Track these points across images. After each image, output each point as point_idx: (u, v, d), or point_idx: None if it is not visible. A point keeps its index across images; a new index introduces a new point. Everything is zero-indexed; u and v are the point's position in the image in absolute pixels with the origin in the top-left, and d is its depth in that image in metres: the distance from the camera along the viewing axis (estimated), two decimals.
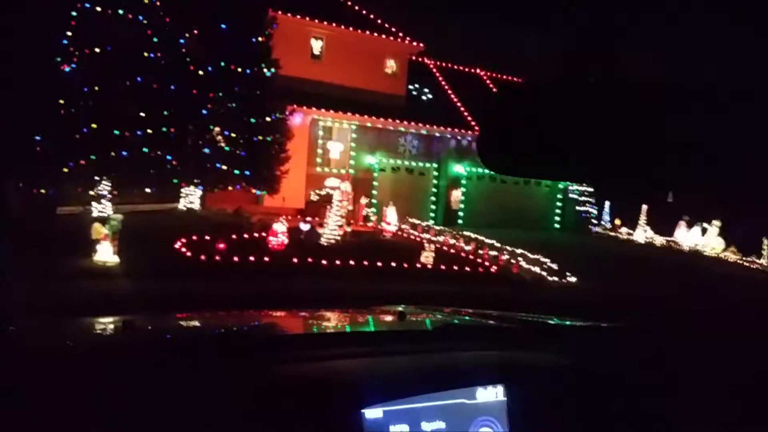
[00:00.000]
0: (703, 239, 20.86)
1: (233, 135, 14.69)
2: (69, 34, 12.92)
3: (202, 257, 10.23)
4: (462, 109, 23.04)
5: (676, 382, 1.91)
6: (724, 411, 1.86)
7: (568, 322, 2.78)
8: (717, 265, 18.24)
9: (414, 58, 23.05)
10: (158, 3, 13.73)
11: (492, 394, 1.63)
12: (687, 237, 21.62)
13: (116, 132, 12.82)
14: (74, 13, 12.94)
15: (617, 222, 24.49)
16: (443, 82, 24.22)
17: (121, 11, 13.22)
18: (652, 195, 18.98)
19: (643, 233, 22.52)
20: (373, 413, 1.45)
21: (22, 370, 1.37)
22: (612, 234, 23.92)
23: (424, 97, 22.36)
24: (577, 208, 24.29)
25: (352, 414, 1.43)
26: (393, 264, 11.49)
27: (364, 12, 21.24)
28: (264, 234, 12.30)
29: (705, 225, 21.00)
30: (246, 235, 12.70)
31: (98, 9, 13.03)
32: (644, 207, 22.22)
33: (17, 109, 11.67)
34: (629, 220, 23.34)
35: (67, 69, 12.92)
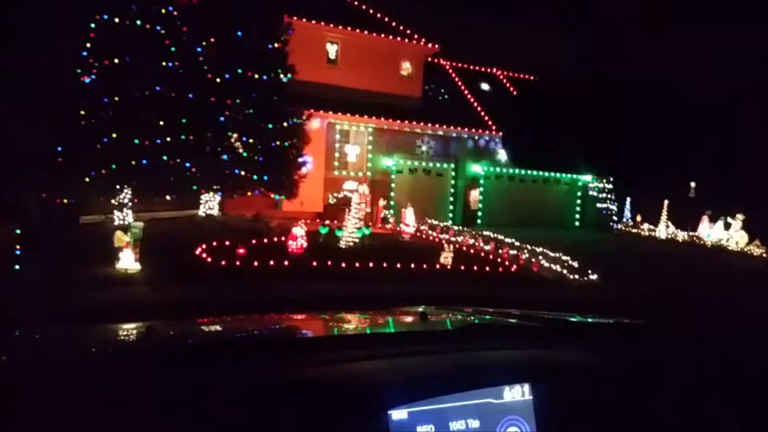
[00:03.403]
0: (726, 233, 20.53)
1: (251, 141, 14.79)
2: (88, 45, 13.12)
3: (223, 263, 10.29)
4: (479, 108, 22.96)
5: (700, 380, 1.89)
6: (751, 410, 1.82)
7: (591, 320, 2.76)
8: (741, 260, 17.93)
9: (429, 59, 23.04)
10: (175, 13, 13.88)
11: (518, 393, 1.62)
12: (710, 232, 21.30)
13: (136, 141, 12.97)
14: (93, 25, 13.14)
15: (638, 218, 24.22)
16: (459, 83, 24.17)
17: (138, 22, 13.39)
18: (673, 190, 18.78)
19: (665, 229, 22.24)
20: (398, 414, 1.45)
21: (47, 374, 1.38)
22: (634, 230, 23.65)
23: (440, 98, 22.33)
24: (598, 205, 24.06)
25: (378, 415, 1.43)
26: (412, 265, 11.46)
27: (378, 15, 21.30)
28: (283, 238, 12.37)
29: (728, 219, 20.67)
30: (265, 240, 12.78)
31: (116, 20, 13.21)
32: (666, 202, 21.95)
33: (39, 121, 11.87)
34: (651, 216, 23.06)
35: (87, 80, 13.12)
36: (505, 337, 2.01)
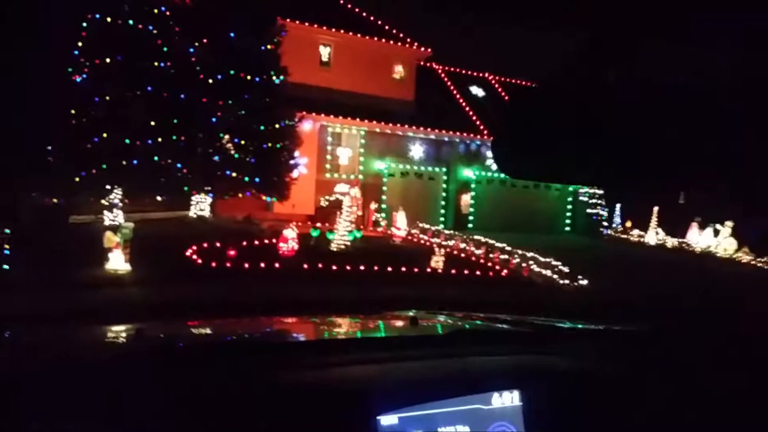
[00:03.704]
0: (715, 240, 20.67)
1: (243, 142, 14.75)
2: (80, 44, 13.05)
3: (213, 264, 10.26)
4: (470, 113, 23.03)
5: (689, 384, 1.90)
6: (740, 413, 1.84)
7: (581, 326, 2.77)
8: (730, 267, 18.07)
9: (422, 63, 23.08)
10: (168, 13, 13.83)
11: (508, 399, 1.63)
12: (699, 238, 21.44)
13: (127, 141, 12.90)
14: (85, 24, 13.08)
15: (628, 224, 24.36)
16: (451, 87, 24.23)
17: (131, 22, 13.34)
18: (663, 196, 18.90)
19: (654, 235, 22.37)
20: (388, 420, 1.45)
21: (34, 376, 1.38)
22: (623, 236, 23.78)
23: (432, 102, 22.36)
24: (588, 210, 24.18)
25: (367, 421, 1.43)
26: (403, 269, 11.47)
27: (371, 18, 21.32)
28: (274, 240, 12.34)
29: (717, 226, 20.81)
30: (256, 242, 12.75)
31: (108, 20, 13.15)
32: (655, 209, 22.07)
33: (29, 120, 11.79)
34: (640, 222, 23.19)
35: (78, 79, 13.05)
36: (495, 343, 2.02)
